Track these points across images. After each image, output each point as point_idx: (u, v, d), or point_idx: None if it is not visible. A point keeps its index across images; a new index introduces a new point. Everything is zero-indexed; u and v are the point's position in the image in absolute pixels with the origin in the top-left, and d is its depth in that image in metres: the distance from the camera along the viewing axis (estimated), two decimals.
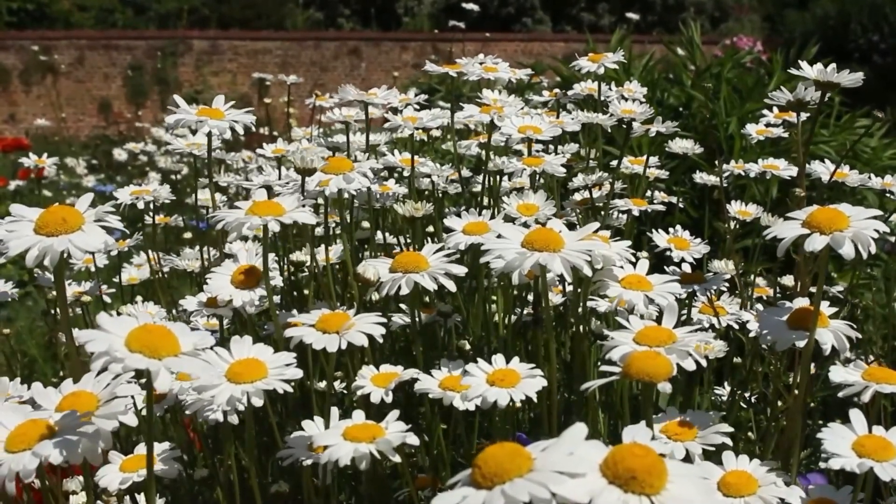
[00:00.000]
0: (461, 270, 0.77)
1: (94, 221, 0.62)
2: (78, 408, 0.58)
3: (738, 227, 1.24)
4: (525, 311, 1.05)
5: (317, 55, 9.96)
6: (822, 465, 1.06)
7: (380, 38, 10.73)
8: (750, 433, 1.10)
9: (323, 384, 0.92)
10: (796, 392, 0.78)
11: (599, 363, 0.94)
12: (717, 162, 1.31)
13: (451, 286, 0.77)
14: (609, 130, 1.21)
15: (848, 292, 1.26)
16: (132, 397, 0.81)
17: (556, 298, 1.08)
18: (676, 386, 0.99)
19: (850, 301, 1.19)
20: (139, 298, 1.38)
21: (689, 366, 0.65)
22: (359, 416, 0.71)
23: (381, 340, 0.75)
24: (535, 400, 0.73)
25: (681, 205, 1.75)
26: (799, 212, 0.65)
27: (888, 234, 0.64)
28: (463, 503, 0.39)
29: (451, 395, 0.75)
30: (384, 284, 0.77)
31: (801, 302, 0.73)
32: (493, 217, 0.89)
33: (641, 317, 0.75)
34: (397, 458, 0.69)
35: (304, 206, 0.78)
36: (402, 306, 1.02)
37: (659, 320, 0.75)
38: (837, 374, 0.68)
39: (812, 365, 1.22)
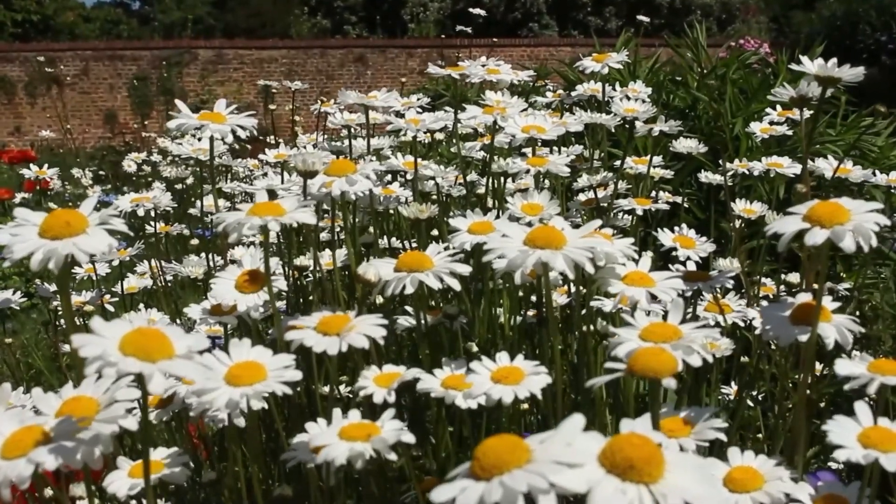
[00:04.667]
0: (465, 269, 0.77)
1: (99, 224, 0.61)
2: (78, 412, 0.57)
3: (743, 226, 1.24)
4: (530, 313, 1.04)
5: (322, 63, 9.98)
6: (832, 464, 1.06)
7: (385, 45, 10.76)
8: (758, 434, 1.10)
9: (328, 388, 0.92)
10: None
11: (604, 362, 0.94)
12: (720, 161, 1.31)
13: (456, 285, 0.76)
14: (613, 131, 1.21)
15: (854, 290, 1.25)
16: (138, 401, 0.81)
17: (561, 299, 1.07)
18: (683, 385, 0.98)
19: (858, 297, 1.18)
20: (141, 307, 1.38)
21: (696, 362, 0.64)
22: (354, 415, 0.71)
23: (382, 342, 0.74)
24: (542, 400, 0.73)
25: (686, 206, 1.75)
26: (800, 206, 0.64)
27: (894, 232, 0.63)
28: (461, 496, 0.39)
29: (454, 394, 0.74)
30: (389, 284, 0.76)
31: (804, 297, 0.72)
32: (497, 218, 0.89)
33: (648, 314, 0.74)
34: (393, 456, 0.68)
35: (304, 206, 0.77)
36: (408, 309, 1.02)
37: (666, 318, 0.74)
38: (843, 366, 0.67)
39: (822, 363, 1.22)
